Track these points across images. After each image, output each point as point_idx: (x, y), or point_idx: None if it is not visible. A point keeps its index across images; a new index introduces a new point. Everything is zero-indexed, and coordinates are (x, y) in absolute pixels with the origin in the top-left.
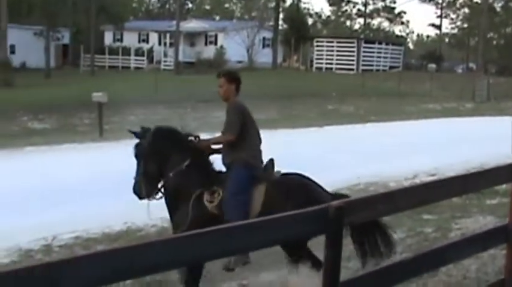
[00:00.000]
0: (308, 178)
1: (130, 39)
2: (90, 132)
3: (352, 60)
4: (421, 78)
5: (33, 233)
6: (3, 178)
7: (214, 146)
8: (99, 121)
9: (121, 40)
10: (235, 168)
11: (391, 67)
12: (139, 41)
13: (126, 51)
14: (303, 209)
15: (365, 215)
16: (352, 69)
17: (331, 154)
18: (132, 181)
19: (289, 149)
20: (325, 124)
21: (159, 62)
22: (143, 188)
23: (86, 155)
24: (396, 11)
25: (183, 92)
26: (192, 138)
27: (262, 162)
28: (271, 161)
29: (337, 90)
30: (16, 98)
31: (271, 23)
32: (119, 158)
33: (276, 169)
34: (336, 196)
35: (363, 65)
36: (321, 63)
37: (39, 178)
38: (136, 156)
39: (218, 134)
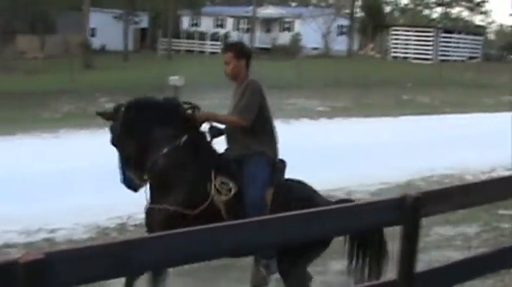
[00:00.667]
0: (305, 184)
1: (206, 24)
2: None
3: (430, 50)
4: (500, 70)
5: (110, 211)
6: (85, 156)
7: (216, 124)
8: None
9: (197, 25)
10: (260, 164)
11: (469, 57)
12: (215, 26)
13: (202, 36)
14: (378, 198)
15: (441, 207)
16: (429, 59)
17: (405, 144)
18: (119, 172)
19: (361, 138)
20: (399, 114)
21: None
22: (134, 178)
23: None
24: (477, 0)
25: (257, 78)
26: (189, 109)
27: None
28: (283, 162)
29: (413, 80)
30: (95, 79)
31: (348, 11)
32: None
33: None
34: (337, 202)
35: (441, 55)
36: (397, 52)
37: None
38: (113, 141)
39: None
